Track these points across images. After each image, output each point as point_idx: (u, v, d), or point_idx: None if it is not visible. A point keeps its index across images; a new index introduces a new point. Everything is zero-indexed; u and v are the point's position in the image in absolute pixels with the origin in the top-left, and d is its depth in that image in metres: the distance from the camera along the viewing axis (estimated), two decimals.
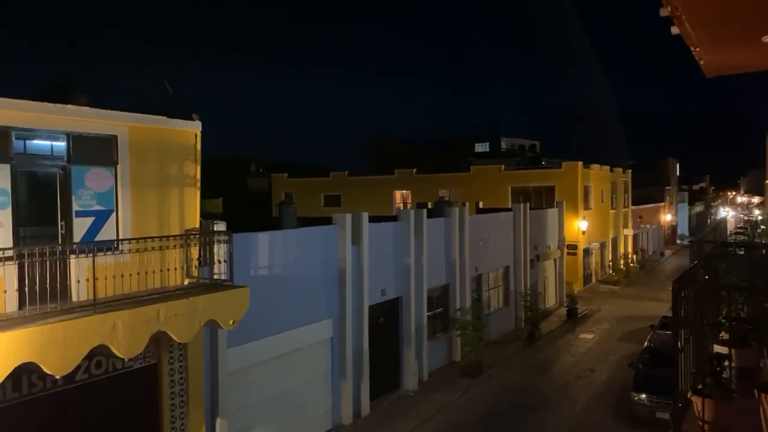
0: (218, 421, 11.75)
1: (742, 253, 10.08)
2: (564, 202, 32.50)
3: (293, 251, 14.20)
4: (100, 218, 9.33)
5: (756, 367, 5.61)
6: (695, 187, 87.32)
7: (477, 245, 22.63)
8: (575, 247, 34.09)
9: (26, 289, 7.66)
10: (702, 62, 5.98)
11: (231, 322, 9.52)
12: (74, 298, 8.67)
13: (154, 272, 9.28)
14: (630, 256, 43.48)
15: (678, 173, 73.59)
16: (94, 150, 9.31)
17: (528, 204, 28.31)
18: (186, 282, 10.00)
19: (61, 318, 7.49)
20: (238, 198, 43.18)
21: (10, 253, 7.63)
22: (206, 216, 11.92)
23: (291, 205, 16.31)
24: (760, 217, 63.30)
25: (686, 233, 69.08)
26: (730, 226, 59.09)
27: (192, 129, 10.65)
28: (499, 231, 25.04)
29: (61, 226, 8.87)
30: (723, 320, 6.24)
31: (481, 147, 79.88)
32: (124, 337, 7.92)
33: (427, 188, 37.43)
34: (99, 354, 8.74)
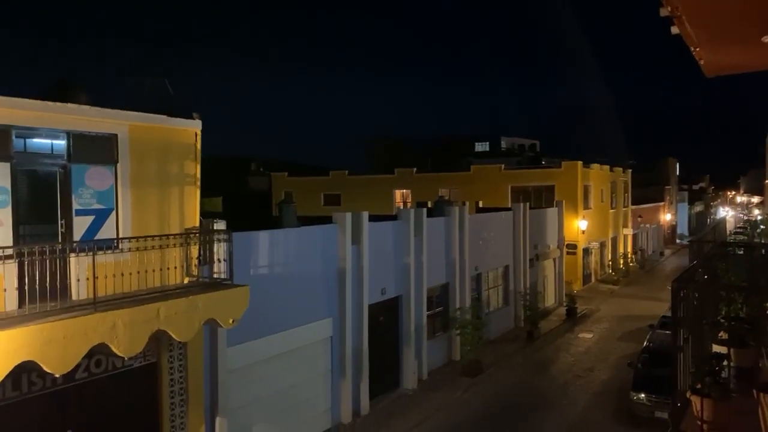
0: (218, 419, 11.77)
1: (741, 252, 10.07)
2: (564, 202, 32.52)
3: (293, 250, 14.21)
4: (100, 217, 9.33)
5: (755, 367, 5.62)
6: (695, 187, 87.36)
7: (477, 244, 22.64)
8: (575, 246, 34.10)
9: (26, 287, 7.67)
10: (702, 62, 5.99)
11: (231, 320, 9.54)
12: (74, 297, 8.68)
13: (154, 271, 9.29)
14: (629, 255, 43.46)
15: (678, 173, 73.63)
16: (95, 149, 9.31)
17: (528, 203, 28.35)
18: (186, 281, 10.01)
19: (61, 316, 7.50)
20: (238, 197, 43.07)
21: (10, 251, 7.63)
22: (206, 215, 11.92)
23: (291, 204, 16.32)
24: (759, 217, 63.18)
25: (686, 233, 69.08)
26: (730, 226, 58.96)
27: (192, 128, 10.65)
28: (498, 230, 25.06)
29: (61, 224, 8.87)
30: (722, 320, 6.24)
31: (481, 146, 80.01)
32: (124, 335, 7.93)
33: (427, 187, 37.45)
34: (99, 353, 8.75)
